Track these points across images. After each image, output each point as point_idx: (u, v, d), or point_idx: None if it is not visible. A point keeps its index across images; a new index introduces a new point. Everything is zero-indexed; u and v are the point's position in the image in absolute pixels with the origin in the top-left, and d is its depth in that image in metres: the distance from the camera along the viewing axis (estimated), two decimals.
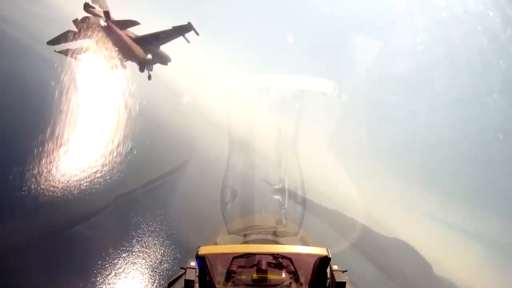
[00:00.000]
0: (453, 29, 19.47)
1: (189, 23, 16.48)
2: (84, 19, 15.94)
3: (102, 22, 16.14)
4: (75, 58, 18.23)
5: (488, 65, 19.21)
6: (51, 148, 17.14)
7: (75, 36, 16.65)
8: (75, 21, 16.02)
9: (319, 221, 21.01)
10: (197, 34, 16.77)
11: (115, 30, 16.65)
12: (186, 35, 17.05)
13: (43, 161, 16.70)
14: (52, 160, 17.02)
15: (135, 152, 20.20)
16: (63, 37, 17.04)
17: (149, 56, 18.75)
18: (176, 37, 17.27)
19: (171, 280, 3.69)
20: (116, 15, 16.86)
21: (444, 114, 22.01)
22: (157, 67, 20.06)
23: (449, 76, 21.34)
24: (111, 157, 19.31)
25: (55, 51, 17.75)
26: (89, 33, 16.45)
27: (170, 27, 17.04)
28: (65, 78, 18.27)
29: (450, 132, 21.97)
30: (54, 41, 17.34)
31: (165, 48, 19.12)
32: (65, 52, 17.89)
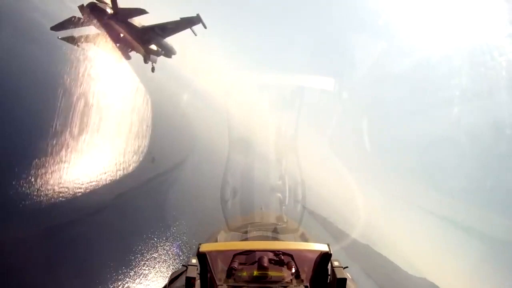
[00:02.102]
0: (451, 27, 19.41)
1: (197, 15, 16.01)
2: (90, 5, 15.57)
3: (109, 9, 15.75)
4: (78, 46, 17.96)
5: (488, 62, 19.14)
6: (51, 146, 17.02)
7: (79, 22, 16.35)
8: (80, 7, 15.62)
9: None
10: (205, 27, 16.37)
11: (121, 18, 16.24)
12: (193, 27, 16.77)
13: (44, 160, 16.59)
14: (53, 160, 16.91)
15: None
16: (67, 23, 16.63)
17: (154, 47, 18.36)
18: (183, 29, 16.83)
19: (172, 278, 3.63)
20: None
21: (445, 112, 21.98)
22: (160, 63, 19.81)
23: (449, 74, 21.35)
24: (111, 156, 19.24)
25: (58, 37, 17.39)
26: (94, 20, 16.11)
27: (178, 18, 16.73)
28: (68, 70, 18.07)
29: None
30: (58, 27, 16.94)
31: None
32: (68, 39, 17.55)
